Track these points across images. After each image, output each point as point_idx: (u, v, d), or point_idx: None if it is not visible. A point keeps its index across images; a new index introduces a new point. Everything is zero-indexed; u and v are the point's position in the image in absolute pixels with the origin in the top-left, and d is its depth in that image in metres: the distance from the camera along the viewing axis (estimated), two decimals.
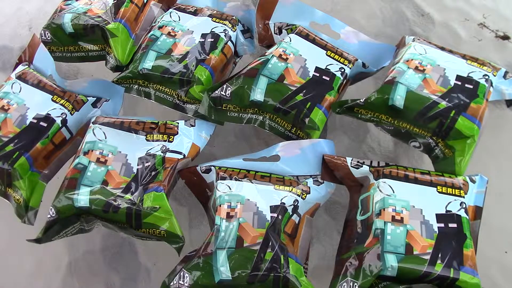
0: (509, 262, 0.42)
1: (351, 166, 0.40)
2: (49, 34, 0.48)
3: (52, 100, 0.43)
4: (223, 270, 0.34)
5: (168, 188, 0.39)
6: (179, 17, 0.48)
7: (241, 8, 0.51)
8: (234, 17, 0.49)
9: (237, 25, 0.49)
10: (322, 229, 0.45)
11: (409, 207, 0.36)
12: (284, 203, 0.37)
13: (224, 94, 0.42)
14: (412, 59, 0.42)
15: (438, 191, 0.37)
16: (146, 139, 0.42)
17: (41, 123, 0.42)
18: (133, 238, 0.41)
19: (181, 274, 0.35)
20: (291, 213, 0.38)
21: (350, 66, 0.44)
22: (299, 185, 0.39)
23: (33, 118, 0.42)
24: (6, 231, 0.47)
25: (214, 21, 0.48)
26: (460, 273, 0.33)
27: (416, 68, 0.41)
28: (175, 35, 0.47)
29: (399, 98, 0.39)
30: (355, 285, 0.34)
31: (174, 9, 0.50)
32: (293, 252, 0.36)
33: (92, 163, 0.40)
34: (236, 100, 0.42)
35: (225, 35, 0.47)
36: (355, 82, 0.47)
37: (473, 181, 0.38)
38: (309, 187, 0.40)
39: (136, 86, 0.46)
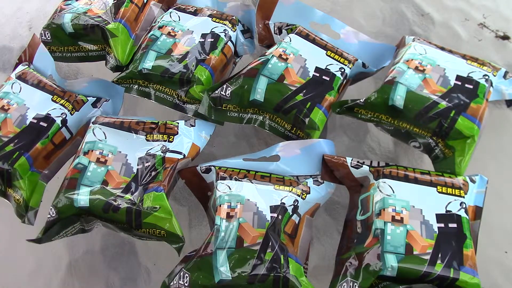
0: (509, 262, 0.42)
1: (351, 166, 0.40)
2: (49, 34, 0.48)
3: (52, 100, 0.43)
4: (223, 270, 0.34)
5: (168, 188, 0.39)
6: (179, 17, 0.48)
7: (241, 8, 0.51)
8: (234, 17, 0.49)
9: (237, 25, 0.49)
10: (322, 229, 0.45)
11: (409, 207, 0.36)
12: (284, 203, 0.37)
13: (224, 94, 0.42)
14: (412, 59, 0.42)
15: (438, 191, 0.37)
16: (146, 139, 0.42)
17: (41, 123, 0.42)
18: (133, 238, 0.41)
19: (181, 274, 0.35)
20: (291, 213, 0.38)
21: (350, 66, 0.44)
22: (299, 185, 0.39)
23: (33, 118, 0.42)
24: (6, 231, 0.47)
25: (214, 21, 0.48)
26: (460, 273, 0.33)
27: (416, 68, 0.41)
28: (175, 35, 0.47)
29: (399, 98, 0.39)
30: (355, 285, 0.34)
31: (174, 9, 0.50)
32: (293, 252, 0.36)
33: (92, 163, 0.40)
34: (236, 100, 0.42)
35: (225, 35, 0.47)
36: (355, 82, 0.47)
37: (473, 181, 0.38)
38: (309, 187, 0.40)
39: (136, 86, 0.46)
